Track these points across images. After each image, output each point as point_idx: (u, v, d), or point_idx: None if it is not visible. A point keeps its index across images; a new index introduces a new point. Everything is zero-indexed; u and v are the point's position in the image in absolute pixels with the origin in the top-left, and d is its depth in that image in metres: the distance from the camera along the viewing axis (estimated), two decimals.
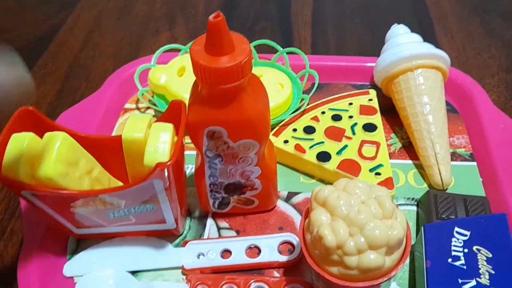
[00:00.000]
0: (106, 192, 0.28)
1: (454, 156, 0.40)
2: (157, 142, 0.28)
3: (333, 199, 0.26)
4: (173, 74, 0.43)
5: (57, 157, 0.27)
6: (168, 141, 0.28)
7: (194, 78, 0.46)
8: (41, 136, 0.29)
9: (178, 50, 0.46)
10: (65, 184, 0.28)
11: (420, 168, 0.39)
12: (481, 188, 0.37)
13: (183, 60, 0.44)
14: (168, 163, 0.27)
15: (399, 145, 0.41)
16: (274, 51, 0.45)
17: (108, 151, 0.33)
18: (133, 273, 0.33)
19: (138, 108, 0.45)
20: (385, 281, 0.26)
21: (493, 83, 0.47)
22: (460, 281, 0.28)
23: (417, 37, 0.42)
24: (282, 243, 0.34)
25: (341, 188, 0.27)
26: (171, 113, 0.30)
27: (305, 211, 0.29)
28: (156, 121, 0.30)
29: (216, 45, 0.25)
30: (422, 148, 0.38)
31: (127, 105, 0.46)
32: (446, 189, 0.37)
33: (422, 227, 0.32)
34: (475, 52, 0.51)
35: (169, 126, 0.29)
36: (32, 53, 0.54)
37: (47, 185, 0.27)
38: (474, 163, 0.39)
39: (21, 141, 0.28)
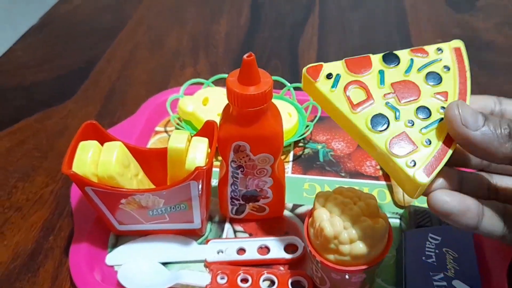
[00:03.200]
0: (152, 191, 0.36)
1: None
2: (196, 151, 0.35)
3: (332, 200, 0.33)
4: (199, 103, 0.51)
5: (116, 160, 0.35)
6: (204, 151, 0.36)
7: (216, 107, 0.54)
8: (101, 144, 0.37)
9: (201, 84, 0.55)
10: (121, 183, 0.35)
11: None
12: None
13: (207, 92, 0.53)
14: (205, 167, 0.34)
15: None
16: (283, 86, 0.53)
17: (148, 161, 0.40)
18: (164, 264, 0.40)
19: (166, 131, 0.53)
20: (372, 266, 0.33)
21: None
22: (431, 273, 0.35)
23: None
24: (287, 245, 0.41)
25: (338, 193, 0.34)
26: (205, 130, 0.38)
27: (310, 212, 0.36)
28: (193, 136, 0.38)
29: (247, 78, 0.33)
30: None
31: (157, 128, 0.54)
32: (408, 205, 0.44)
33: (403, 233, 0.39)
34: None
35: (205, 140, 0.36)
36: (76, 79, 0.63)
37: (107, 182, 0.35)
38: None
39: (88, 147, 0.35)
